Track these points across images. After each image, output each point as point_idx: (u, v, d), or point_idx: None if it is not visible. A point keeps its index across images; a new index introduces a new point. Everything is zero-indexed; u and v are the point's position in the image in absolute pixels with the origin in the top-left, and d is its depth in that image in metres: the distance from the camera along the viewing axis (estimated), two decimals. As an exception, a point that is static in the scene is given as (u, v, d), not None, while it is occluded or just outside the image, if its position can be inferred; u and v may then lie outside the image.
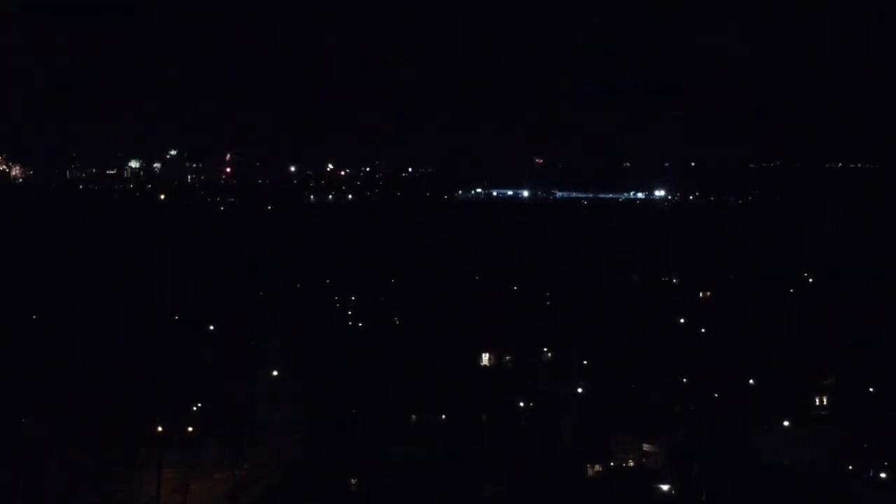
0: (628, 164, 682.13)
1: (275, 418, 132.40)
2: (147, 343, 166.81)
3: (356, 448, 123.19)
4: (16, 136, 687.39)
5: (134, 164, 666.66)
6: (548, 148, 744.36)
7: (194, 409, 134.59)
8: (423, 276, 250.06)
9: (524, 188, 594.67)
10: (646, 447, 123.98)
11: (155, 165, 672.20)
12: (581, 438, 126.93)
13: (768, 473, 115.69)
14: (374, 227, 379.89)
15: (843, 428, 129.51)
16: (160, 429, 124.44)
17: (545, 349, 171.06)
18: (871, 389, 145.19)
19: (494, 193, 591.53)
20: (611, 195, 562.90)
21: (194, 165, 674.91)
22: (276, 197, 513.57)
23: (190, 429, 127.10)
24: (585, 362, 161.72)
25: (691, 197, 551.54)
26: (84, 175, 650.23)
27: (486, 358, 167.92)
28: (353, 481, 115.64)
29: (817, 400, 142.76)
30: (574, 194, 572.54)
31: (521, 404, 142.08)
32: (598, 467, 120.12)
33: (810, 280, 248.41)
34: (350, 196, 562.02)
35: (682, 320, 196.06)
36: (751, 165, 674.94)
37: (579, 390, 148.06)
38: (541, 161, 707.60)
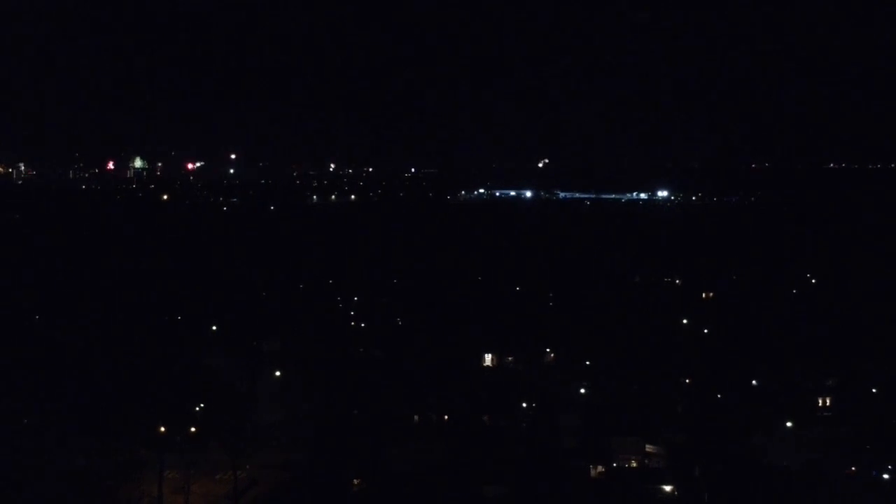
0: (631, 165, 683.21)
1: (277, 419, 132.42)
2: (149, 344, 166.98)
3: (358, 449, 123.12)
4: (19, 138, 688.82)
5: (137, 163, 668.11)
6: (550, 149, 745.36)
7: (196, 410, 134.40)
8: (425, 277, 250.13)
9: (527, 189, 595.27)
10: (648, 448, 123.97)
11: (158, 164, 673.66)
12: (583, 439, 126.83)
13: (770, 474, 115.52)
14: (377, 228, 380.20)
15: (845, 429, 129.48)
16: (162, 430, 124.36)
17: (547, 350, 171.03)
18: (873, 390, 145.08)
19: (497, 194, 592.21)
20: (613, 196, 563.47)
21: (198, 165, 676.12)
22: (279, 197, 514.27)
23: (192, 430, 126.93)
24: (588, 363, 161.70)
25: (694, 197, 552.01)
26: (87, 175, 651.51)
27: (488, 359, 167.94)
28: (355, 482, 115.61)
29: (820, 401, 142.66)
30: (577, 195, 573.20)
31: (524, 405, 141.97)
32: (600, 468, 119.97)
33: (813, 281, 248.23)
34: (353, 196, 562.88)
35: (684, 321, 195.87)
36: (753, 166, 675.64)
37: (581, 391, 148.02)
38: (543, 162, 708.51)
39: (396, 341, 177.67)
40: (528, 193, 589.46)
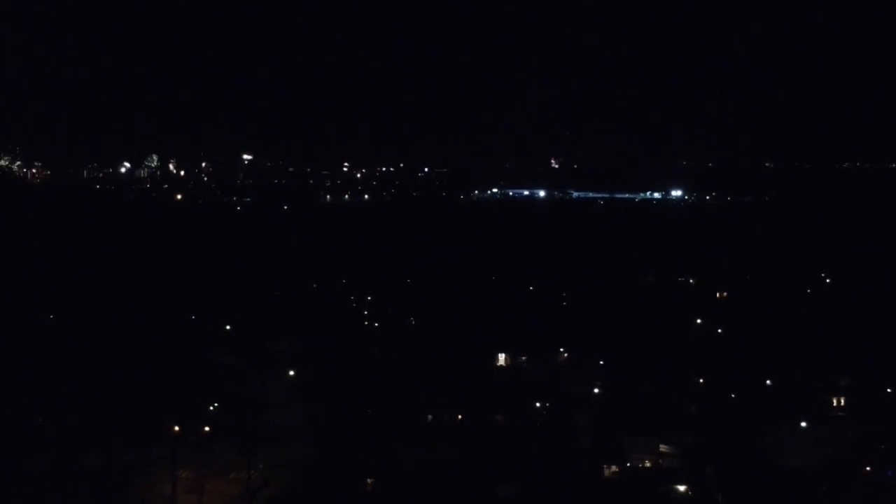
0: (644, 164, 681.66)
1: (290, 419, 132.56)
2: (163, 344, 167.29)
3: (371, 448, 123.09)
4: (32, 138, 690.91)
5: (151, 163, 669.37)
6: (563, 148, 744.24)
7: (210, 409, 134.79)
8: (438, 277, 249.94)
9: (540, 188, 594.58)
10: (661, 448, 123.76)
11: (171, 164, 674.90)
12: (596, 439, 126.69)
13: (784, 474, 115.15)
14: (390, 228, 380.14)
15: (859, 428, 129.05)
16: (176, 429, 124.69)
17: (561, 349, 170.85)
18: (888, 390, 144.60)
19: (510, 193, 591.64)
20: (627, 195, 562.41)
21: (210, 167, 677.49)
22: (292, 197, 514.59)
23: (205, 429, 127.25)
24: (601, 363, 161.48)
25: (708, 197, 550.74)
26: (101, 175, 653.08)
27: (501, 358, 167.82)
28: (368, 481, 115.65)
29: (834, 400, 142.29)
30: (590, 194, 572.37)
31: (537, 405, 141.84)
32: (613, 468, 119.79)
33: (827, 280, 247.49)
34: (366, 196, 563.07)
35: (698, 320, 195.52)
36: (767, 165, 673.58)
37: (595, 391, 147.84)
38: (556, 161, 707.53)
39: (409, 341, 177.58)
40: (542, 193, 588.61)
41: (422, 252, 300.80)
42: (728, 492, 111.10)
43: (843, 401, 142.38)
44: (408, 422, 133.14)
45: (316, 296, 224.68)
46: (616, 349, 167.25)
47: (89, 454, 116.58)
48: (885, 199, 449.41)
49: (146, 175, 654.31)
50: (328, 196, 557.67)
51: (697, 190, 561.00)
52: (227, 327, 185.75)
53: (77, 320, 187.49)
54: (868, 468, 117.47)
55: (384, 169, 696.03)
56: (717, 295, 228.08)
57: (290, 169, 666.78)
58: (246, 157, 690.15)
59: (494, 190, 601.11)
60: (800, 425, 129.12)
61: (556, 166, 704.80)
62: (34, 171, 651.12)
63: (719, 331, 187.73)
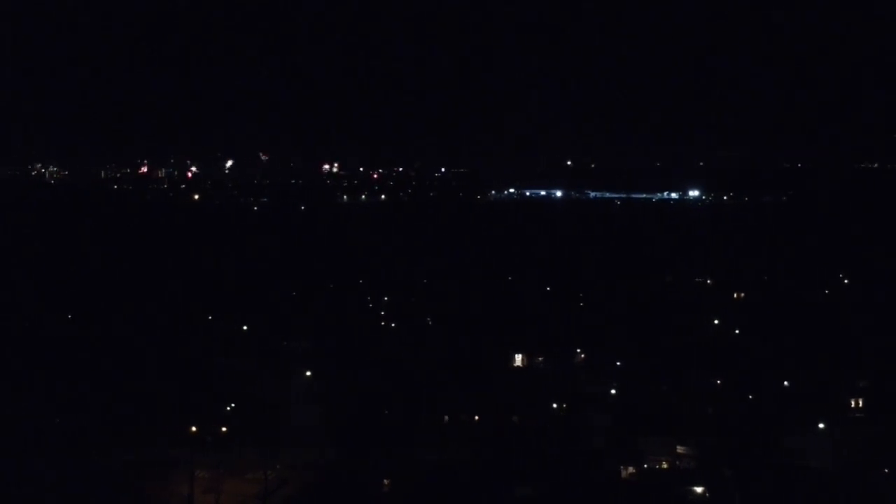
0: (662, 164, 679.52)
1: (307, 419, 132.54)
2: (180, 343, 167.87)
3: (388, 449, 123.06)
4: (49, 137, 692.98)
5: (167, 163, 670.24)
6: (580, 148, 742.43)
7: (227, 409, 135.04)
8: (455, 277, 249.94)
9: (557, 188, 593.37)
10: (679, 449, 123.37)
11: (189, 163, 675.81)
12: (614, 440, 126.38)
13: (802, 475, 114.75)
14: (407, 228, 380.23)
15: (878, 429, 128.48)
16: (193, 429, 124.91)
17: (578, 350, 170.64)
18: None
19: (527, 193, 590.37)
20: (644, 195, 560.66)
21: (228, 165, 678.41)
22: (310, 197, 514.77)
23: (223, 430, 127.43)
24: (618, 363, 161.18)
25: (725, 197, 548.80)
26: (119, 175, 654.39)
27: (518, 359, 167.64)
28: (384, 482, 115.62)
29: (852, 402, 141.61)
30: (607, 194, 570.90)
31: (554, 405, 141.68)
32: (630, 469, 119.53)
33: (845, 281, 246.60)
34: (382, 196, 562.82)
35: (715, 321, 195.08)
36: (786, 165, 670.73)
37: (612, 391, 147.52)
38: (572, 161, 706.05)
39: (426, 341, 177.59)
40: (559, 193, 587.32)
41: (438, 252, 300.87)
42: (746, 493, 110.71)
43: (861, 402, 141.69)
44: (424, 422, 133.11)
45: (332, 296, 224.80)
46: (633, 350, 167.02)
47: (106, 454, 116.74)
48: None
49: (163, 175, 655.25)
50: (345, 196, 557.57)
51: (715, 190, 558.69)
52: (245, 327, 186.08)
53: (94, 319, 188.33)
54: (887, 469, 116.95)
55: (400, 169, 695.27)
56: (735, 295, 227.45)
57: (308, 169, 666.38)
58: (263, 157, 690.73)
59: (511, 190, 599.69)
60: (818, 426, 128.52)
61: (573, 166, 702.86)
62: (51, 171, 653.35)
63: (737, 331, 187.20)
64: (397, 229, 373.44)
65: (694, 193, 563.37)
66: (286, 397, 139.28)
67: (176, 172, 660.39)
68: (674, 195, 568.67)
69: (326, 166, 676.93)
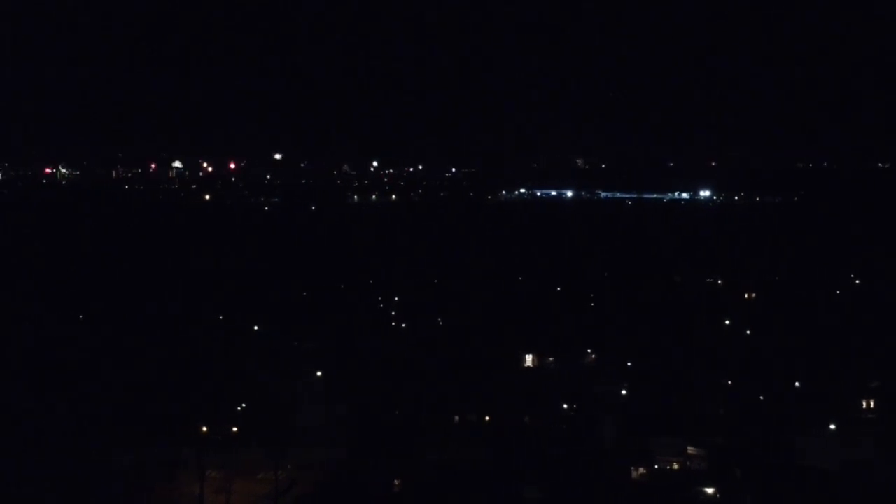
0: (673, 164, 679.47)
1: (317, 419, 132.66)
2: (191, 344, 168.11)
3: (398, 449, 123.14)
4: (61, 138, 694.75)
5: (178, 163, 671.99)
6: (590, 148, 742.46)
7: (238, 410, 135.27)
8: (466, 277, 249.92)
9: (568, 188, 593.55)
10: (690, 450, 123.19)
11: (200, 161, 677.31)
12: (624, 440, 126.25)
13: (813, 476, 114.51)
14: (418, 228, 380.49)
15: (889, 430, 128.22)
16: (204, 429, 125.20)
17: (588, 351, 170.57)
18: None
19: (538, 193, 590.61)
20: (655, 195, 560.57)
21: (240, 165, 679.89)
22: (320, 197, 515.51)
23: (233, 430, 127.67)
24: (629, 364, 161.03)
25: (736, 197, 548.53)
26: (129, 175, 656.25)
27: (528, 359, 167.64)
28: (395, 482, 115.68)
29: (863, 403, 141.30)
30: (618, 194, 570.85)
31: (564, 406, 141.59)
32: (641, 469, 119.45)
33: (856, 281, 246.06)
34: (393, 196, 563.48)
35: (726, 322, 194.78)
36: (797, 165, 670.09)
37: (622, 392, 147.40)
38: (583, 161, 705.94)
39: (436, 341, 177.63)
40: (570, 193, 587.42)
41: (448, 252, 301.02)
42: (756, 494, 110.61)
43: (872, 403, 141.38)
44: (434, 422, 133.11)
45: (342, 296, 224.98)
46: (643, 350, 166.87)
47: (117, 454, 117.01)
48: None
49: (174, 175, 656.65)
50: (355, 196, 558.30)
51: (726, 190, 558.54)
52: (255, 328, 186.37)
53: (105, 319, 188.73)
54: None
55: (411, 169, 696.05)
56: (746, 296, 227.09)
57: (318, 169, 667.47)
58: (276, 156, 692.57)
59: (522, 190, 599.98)
60: (829, 427, 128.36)
61: (584, 166, 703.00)
62: (62, 171, 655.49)
63: (747, 332, 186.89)
64: (407, 229, 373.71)
65: (705, 193, 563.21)
66: (296, 398, 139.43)
67: (187, 172, 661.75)
68: (685, 195, 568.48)
69: (337, 167, 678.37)
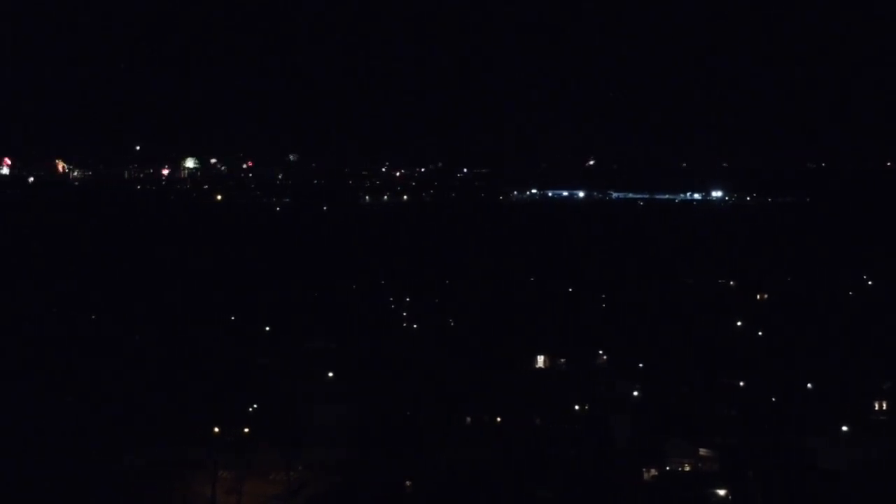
0: (684, 165, 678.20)
1: (329, 419, 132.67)
2: (203, 344, 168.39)
3: (410, 449, 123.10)
4: (73, 138, 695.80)
5: (190, 163, 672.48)
6: (601, 148, 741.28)
7: (250, 410, 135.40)
8: (477, 278, 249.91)
9: (579, 189, 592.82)
10: (702, 451, 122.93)
11: (213, 161, 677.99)
12: (636, 442, 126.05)
13: (825, 478, 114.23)
14: (429, 228, 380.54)
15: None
16: (216, 430, 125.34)
17: (600, 352, 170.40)
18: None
19: (549, 194, 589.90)
20: (667, 196, 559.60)
21: (252, 166, 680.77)
22: (332, 197, 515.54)
23: (245, 430, 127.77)
24: (640, 365, 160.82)
25: (748, 198, 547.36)
26: (142, 175, 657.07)
27: (540, 360, 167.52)
28: (407, 483, 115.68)
29: (876, 405, 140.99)
30: (630, 195, 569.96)
31: (576, 407, 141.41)
32: (653, 471, 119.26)
33: (869, 283, 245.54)
34: (405, 197, 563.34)
35: (738, 322, 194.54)
36: (809, 166, 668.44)
37: (635, 393, 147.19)
38: (594, 161, 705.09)
39: (448, 342, 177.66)
40: (581, 193, 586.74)
41: (460, 253, 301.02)
42: (768, 495, 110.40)
43: (885, 405, 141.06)
44: (446, 423, 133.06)
45: (355, 296, 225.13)
46: (655, 351, 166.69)
47: (129, 455, 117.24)
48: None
49: (186, 175, 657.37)
50: (367, 197, 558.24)
51: (738, 191, 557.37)
52: (267, 328, 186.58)
53: (116, 319, 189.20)
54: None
55: (423, 169, 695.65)
56: (758, 297, 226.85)
57: (330, 170, 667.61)
58: (290, 157, 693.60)
59: (533, 191, 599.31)
60: (841, 429, 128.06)
61: (596, 167, 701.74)
62: (76, 172, 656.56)
63: (760, 333, 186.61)
64: (419, 230, 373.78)
65: (717, 194, 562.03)
66: (308, 398, 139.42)
67: (199, 173, 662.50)
68: (696, 196, 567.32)
69: (349, 167, 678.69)
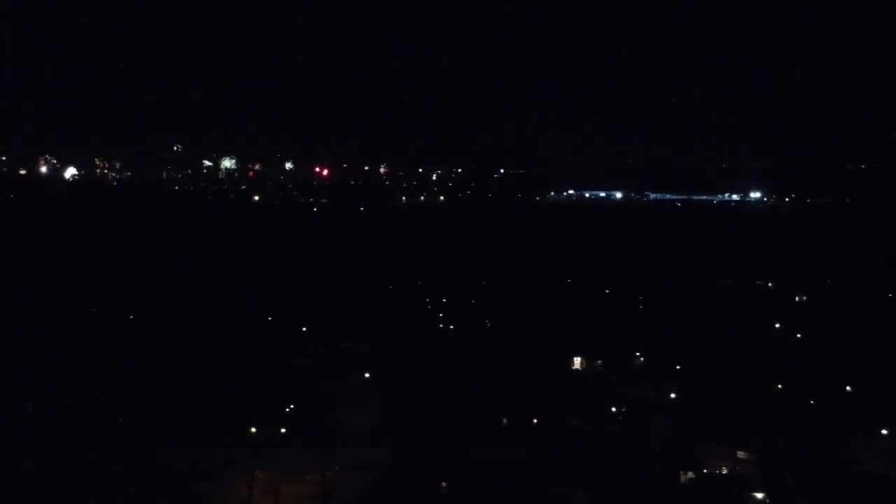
0: (722, 166, 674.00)
1: (365, 420, 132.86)
2: (240, 345, 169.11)
3: (446, 451, 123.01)
4: (112, 138, 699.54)
5: (227, 164, 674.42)
6: (638, 149, 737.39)
7: (286, 410, 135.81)
8: (514, 279, 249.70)
9: (616, 190, 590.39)
10: (739, 454, 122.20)
11: (251, 165, 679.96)
12: (673, 444, 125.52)
13: (864, 482, 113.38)
14: (466, 229, 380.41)
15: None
16: (252, 430, 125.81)
17: (637, 353, 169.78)
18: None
19: (586, 195, 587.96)
20: (705, 197, 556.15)
21: (289, 167, 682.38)
22: (368, 198, 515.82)
23: (282, 430, 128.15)
24: (678, 367, 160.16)
25: (787, 199, 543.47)
26: (180, 175, 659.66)
27: (577, 362, 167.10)
28: (442, 484, 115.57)
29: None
30: (667, 196, 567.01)
31: (612, 409, 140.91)
32: (690, 474, 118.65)
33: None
34: (441, 197, 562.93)
35: (776, 325, 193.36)
36: (849, 167, 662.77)
37: (672, 395, 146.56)
38: (631, 162, 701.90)
39: (485, 343, 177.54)
40: (619, 194, 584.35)
41: (496, 253, 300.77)
42: (807, 500, 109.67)
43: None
44: (482, 424, 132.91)
45: (390, 297, 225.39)
46: (693, 354, 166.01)
47: (165, 455, 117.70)
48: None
49: (224, 176, 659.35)
50: (404, 197, 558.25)
51: (777, 192, 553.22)
52: (303, 328, 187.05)
53: (153, 319, 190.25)
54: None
55: (459, 170, 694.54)
56: (797, 298, 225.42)
57: (367, 170, 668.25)
58: (327, 158, 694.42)
59: (570, 191, 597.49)
60: (881, 432, 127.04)
61: (633, 167, 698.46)
62: (114, 172, 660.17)
63: (798, 335, 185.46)
64: (455, 230, 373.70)
65: (755, 195, 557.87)
66: (344, 398, 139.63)
67: (237, 173, 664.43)
68: (735, 197, 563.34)
69: (386, 168, 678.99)
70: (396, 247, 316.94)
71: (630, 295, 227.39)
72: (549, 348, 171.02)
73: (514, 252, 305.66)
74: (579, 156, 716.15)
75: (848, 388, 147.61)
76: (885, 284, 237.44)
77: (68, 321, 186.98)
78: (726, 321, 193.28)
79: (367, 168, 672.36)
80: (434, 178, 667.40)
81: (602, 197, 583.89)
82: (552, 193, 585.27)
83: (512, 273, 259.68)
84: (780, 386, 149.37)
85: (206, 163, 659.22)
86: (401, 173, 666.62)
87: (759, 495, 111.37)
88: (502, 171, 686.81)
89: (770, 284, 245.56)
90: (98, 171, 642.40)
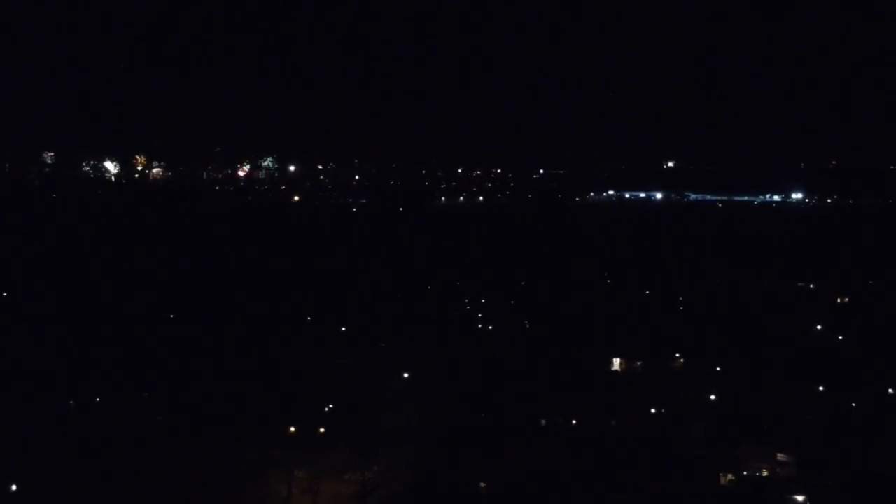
0: (764, 166, 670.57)
1: (404, 421, 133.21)
2: (281, 345, 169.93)
3: (485, 451, 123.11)
4: (154, 138, 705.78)
5: (268, 163, 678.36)
6: (679, 149, 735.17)
7: (325, 410, 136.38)
8: (554, 279, 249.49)
9: (656, 190, 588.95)
10: (779, 456, 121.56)
11: (290, 167, 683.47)
12: (713, 446, 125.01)
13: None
14: (505, 229, 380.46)
15: None
16: (292, 430, 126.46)
17: (677, 355, 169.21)
18: None
19: (626, 195, 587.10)
20: (746, 198, 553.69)
21: (328, 167, 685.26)
22: (408, 198, 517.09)
23: (321, 430, 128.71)
24: (718, 369, 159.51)
25: (829, 199, 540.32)
26: (220, 176, 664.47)
27: (616, 363, 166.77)
28: (482, 484, 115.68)
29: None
30: (708, 196, 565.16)
31: (652, 411, 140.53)
32: (730, 476, 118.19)
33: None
34: (481, 198, 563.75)
35: (818, 326, 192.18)
36: (891, 167, 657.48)
37: (711, 397, 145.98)
38: (671, 163, 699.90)
39: (524, 344, 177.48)
40: (658, 195, 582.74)
41: (536, 254, 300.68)
42: (847, 502, 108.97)
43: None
44: (521, 425, 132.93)
45: (430, 298, 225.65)
46: (733, 355, 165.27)
47: (207, 453, 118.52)
48: None
49: (263, 176, 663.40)
50: (443, 198, 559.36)
51: (818, 192, 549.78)
52: (343, 329, 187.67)
53: (196, 320, 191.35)
54: None
55: (498, 170, 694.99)
56: (838, 300, 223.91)
57: (407, 170, 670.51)
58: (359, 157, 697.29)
59: (610, 192, 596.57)
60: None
61: (673, 168, 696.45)
62: (156, 171, 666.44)
63: (840, 337, 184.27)
64: (495, 231, 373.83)
65: (797, 196, 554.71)
66: (383, 399, 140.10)
67: (276, 173, 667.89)
68: (776, 197, 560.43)
69: (426, 168, 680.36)
70: (435, 247, 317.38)
71: (669, 296, 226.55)
72: (588, 349, 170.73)
73: (553, 252, 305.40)
74: (619, 156, 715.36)
75: (890, 390, 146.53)
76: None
77: (114, 320, 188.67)
78: (766, 322, 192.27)
79: (407, 169, 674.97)
80: (473, 178, 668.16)
81: (642, 197, 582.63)
82: (591, 194, 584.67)
83: (551, 273, 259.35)
84: (820, 388, 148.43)
85: (246, 164, 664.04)
86: (440, 174, 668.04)
87: (800, 498, 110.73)
88: (542, 171, 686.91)
89: (811, 286, 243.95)
90: (138, 170, 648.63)
